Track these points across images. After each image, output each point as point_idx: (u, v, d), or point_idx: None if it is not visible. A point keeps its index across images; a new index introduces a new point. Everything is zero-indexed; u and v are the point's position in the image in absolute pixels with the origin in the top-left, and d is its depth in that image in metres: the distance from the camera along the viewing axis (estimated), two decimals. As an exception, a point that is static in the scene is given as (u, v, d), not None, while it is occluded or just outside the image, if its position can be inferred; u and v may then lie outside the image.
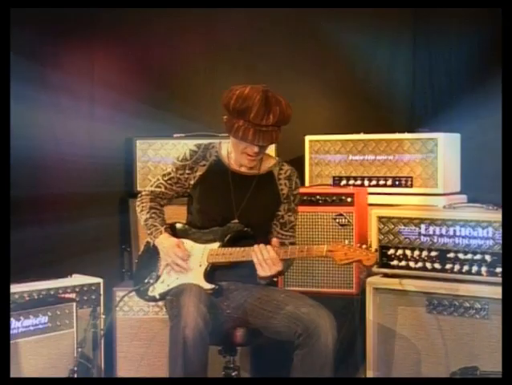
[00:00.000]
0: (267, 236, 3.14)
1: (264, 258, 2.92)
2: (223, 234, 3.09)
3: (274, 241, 2.98)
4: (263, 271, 2.94)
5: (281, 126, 3.04)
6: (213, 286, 3.04)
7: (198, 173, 3.16)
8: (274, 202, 3.16)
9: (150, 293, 3.14)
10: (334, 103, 4.66)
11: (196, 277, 3.06)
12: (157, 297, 3.13)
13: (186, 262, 3.08)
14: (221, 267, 3.06)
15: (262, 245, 2.94)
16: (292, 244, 3.17)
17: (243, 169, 3.16)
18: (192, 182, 3.16)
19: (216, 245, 3.09)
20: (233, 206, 3.11)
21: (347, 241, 2.92)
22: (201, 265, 3.09)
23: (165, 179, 3.21)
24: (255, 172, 3.17)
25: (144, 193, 3.27)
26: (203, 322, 2.79)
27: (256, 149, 3.03)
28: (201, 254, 3.10)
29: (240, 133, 2.97)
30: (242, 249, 3.01)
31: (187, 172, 3.17)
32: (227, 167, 3.16)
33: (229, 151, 3.17)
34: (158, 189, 3.23)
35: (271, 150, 4.15)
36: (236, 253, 3.02)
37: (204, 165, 3.17)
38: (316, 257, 3.01)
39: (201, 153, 3.18)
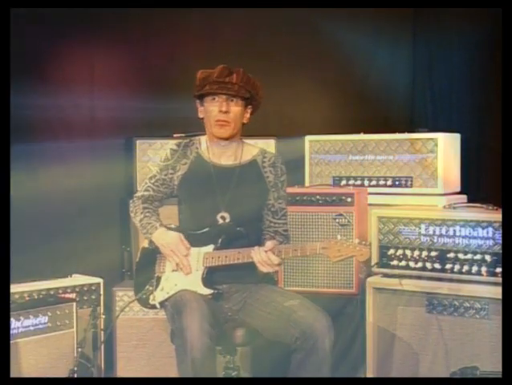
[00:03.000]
0: (259, 225, 3.16)
1: (264, 260, 2.93)
2: (216, 236, 3.07)
3: (268, 244, 2.96)
4: (265, 269, 2.96)
5: (249, 90, 3.11)
6: (211, 292, 3.03)
7: (180, 172, 3.15)
8: (261, 191, 3.14)
9: (151, 302, 3.12)
10: (334, 102, 4.67)
11: (194, 282, 3.05)
12: (158, 306, 3.11)
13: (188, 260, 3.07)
14: (218, 269, 3.05)
15: (261, 251, 2.94)
16: (285, 231, 3.18)
17: (223, 161, 3.15)
18: (176, 182, 3.16)
19: (210, 247, 3.07)
20: (219, 199, 3.10)
21: (339, 236, 2.90)
22: (197, 270, 3.06)
23: (152, 181, 3.20)
24: (237, 164, 3.15)
25: (135, 198, 3.25)
26: (208, 337, 2.76)
27: (224, 107, 3.05)
28: (196, 258, 3.07)
29: (207, 87, 3.07)
30: (237, 251, 2.99)
31: (170, 171, 3.16)
32: (208, 161, 3.16)
33: (208, 143, 3.17)
34: (147, 193, 3.21)
35: (271, 150, 4.17)
36: (231, 256, 3.00)
37: (185, 164, 3.15)
38: (310, 254, 3.01)
39: (182, 151, 3.17)
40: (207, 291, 3.03)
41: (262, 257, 2.93)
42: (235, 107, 3.08)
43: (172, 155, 3.17)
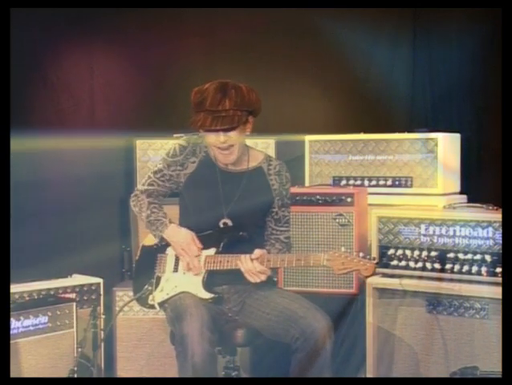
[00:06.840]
0: (261, 232, 3.15)
1: (249, 269, 2.93)
2: (218, 240, 3.05)
3: (257, 252, 2.95)
4: (252, 279, 2.96)
5: (246, 110, 2.95)
6: (212, 296, 3.02)
7: (188, 170, 3.10)
8: (265, 198, 3.12)
9: (150, 302, 3.11)
10: (334, 103, 4.66)
11: (194, 285, 3.04)
12: (157, 306, 3.10)
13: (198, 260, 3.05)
14: (218, 271, 3.04)
15: (247, 258, 2.93)
16: (287, 238, 3.17)
17: (230, 167, 3.11)
18: (182, 179, 3.11)
19: (212, 251, 3.05)
20: (223, 204, 3.07)
21: (343, 248, 2.90)
22: (198, 273, 3.06)
23: (157, 176, 3.13)
24: (244, 169, 3.12)
25: (138, 192, 3.18)
26: (209, 344, 2.77)
27: (222, 138, 2.95)
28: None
29: (199, 123, 2.93)
30: (239, 256, 2.97)
31: (178, 168, 3.10)
32: (215, 164, 3.10)
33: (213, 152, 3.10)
34: (151, 187, 3.15)
35: (271, 150, 4.17)
36: (233, 261, 2.99)
37: (194, 162, 3.10)
38: (314, 265, 3.00)
39: (191, 148, 3.11)
40: (207, 295, 3.02)
41: (249, 266, 2.93)
42: (233, 132, 2.96)
43: (181, 151, 3.10)
